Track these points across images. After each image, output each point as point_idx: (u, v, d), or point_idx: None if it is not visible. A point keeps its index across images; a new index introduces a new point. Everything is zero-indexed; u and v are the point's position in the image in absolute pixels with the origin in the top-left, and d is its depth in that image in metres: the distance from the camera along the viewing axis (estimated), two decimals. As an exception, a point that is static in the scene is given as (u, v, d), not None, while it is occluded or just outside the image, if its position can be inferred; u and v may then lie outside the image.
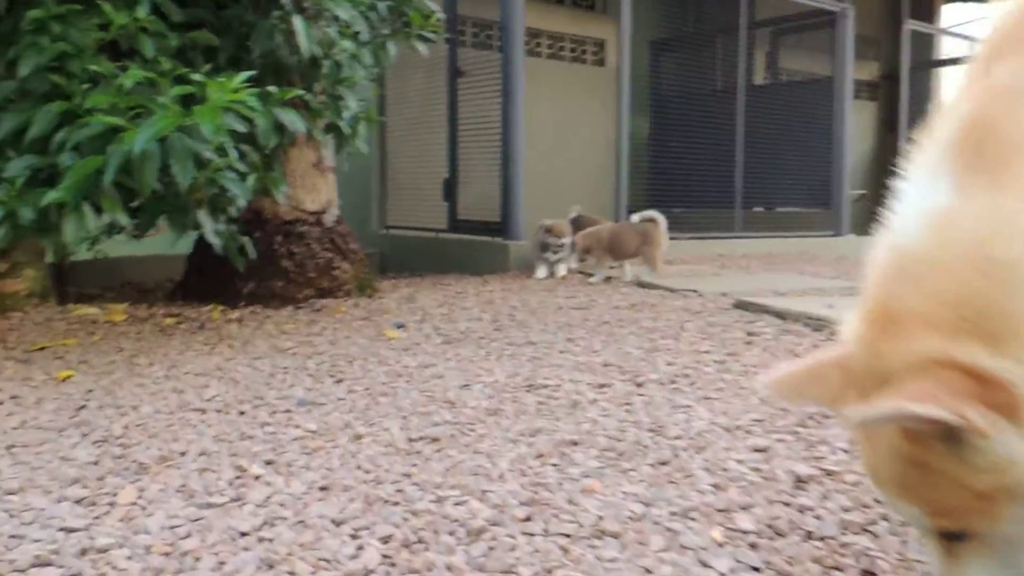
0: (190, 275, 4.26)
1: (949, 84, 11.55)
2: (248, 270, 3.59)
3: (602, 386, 2.55)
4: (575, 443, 2.03)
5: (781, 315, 3.62)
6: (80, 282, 4.60)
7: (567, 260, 5.43)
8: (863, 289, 1.08)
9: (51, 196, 2.28)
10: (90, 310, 3.64)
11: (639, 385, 2.56)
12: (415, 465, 1.90)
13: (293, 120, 2.74)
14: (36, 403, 2.38)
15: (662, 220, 5.05)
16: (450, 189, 6.75)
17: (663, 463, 1.89)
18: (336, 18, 3.05)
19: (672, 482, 1.77)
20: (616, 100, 6.99)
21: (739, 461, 1.88)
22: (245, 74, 2.41)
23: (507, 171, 6.06)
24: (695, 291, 4.41)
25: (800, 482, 1.75)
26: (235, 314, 3.78)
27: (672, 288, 4.57)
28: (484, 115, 6.35)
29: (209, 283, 4.08)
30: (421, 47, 3.76)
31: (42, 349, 3.00)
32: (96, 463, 1.92)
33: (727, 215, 7.99)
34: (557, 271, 5.39)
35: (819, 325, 3.38)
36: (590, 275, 5.25)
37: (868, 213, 10.53)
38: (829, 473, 1.80)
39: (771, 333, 3.34)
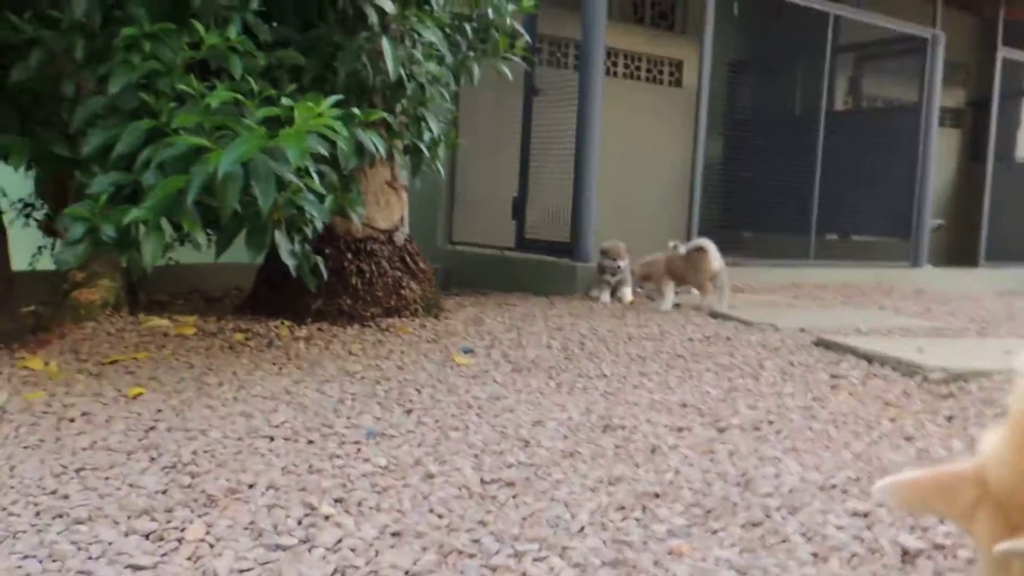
0: (259, 288, 4.27)
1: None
2: (317, 286, 3.57)
3: (681, 430, 2.46)
4: (658, 495, 1.94)
5: (867, 357, 3.48)
6: (150, 288, 4.64)
7: (629, 283, 5.36)
8: (1009, 403, 0.99)
9: (133, 214, 2.27)
10: (161, 322, 3.65)
11: (721, 431, 2.46)
12: (490, 512, 1.83)
13: (375, 143, 2.70)
14: (106, 422, 2.37)
15: (711, 247, 4.99)
16: (519, 207, 6.70)
17: (755, 524, 1.78)
18: (421, 39, 3.01)
19: (767, 548, 1.66)
20: (692, 121, 6.88)
21: (839, 527, 1.77)
22: (333, 98, 2.39)
23: (579, 191, 6.00)
24: (773, 325, 4.28)
25: (908, 555, 1.63)
26: (303, 331, 3.76)
27: (747, 321, 4.45)
28: (558, 134, 6.29)
29: (278, 297, 4.08)
30: (506, 70, 3.71)
31: (114, 363, 3.01)
32: (165, 492, 1.89)
33: (801, 242, 7.79)
34: (623, 296, 5.32)
35: (910, 371, 3.23)
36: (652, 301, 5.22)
37: (946, 244, 10.23)
38: (938, 547, 1.68)
39: (857, 376, 3.21)
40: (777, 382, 3.11)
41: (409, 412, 2.56)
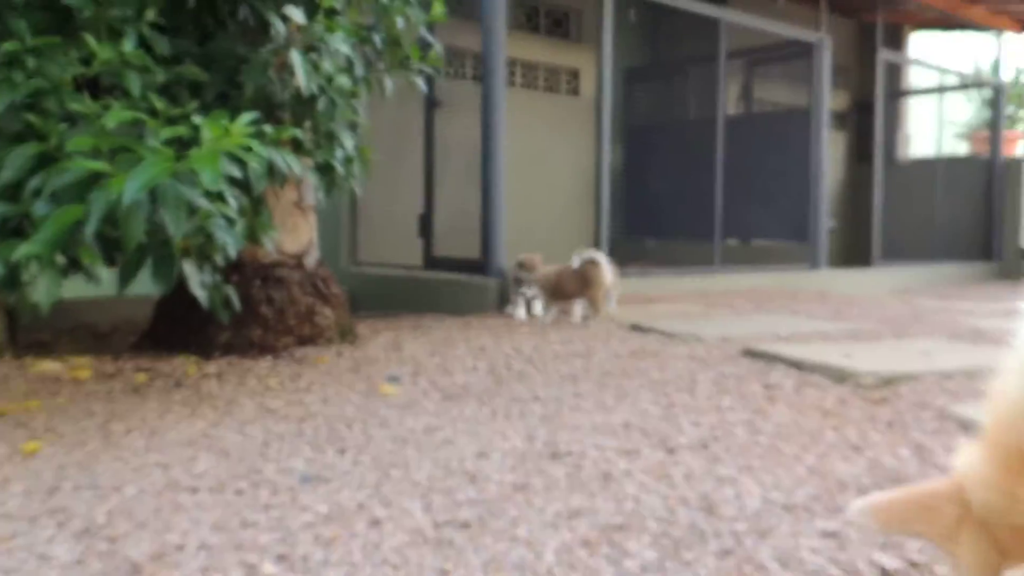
0: (159, 322, 4.04)
1: (916, 112, 11.73)
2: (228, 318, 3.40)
3: (630, 453, 2.40)
4: (622, 527, 1.87)
5: (797, 365, 3.50)
6: (29, 326, 4.33)
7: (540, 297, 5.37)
8: (987, 419, 0.97)
9: (23, 250, 2.07)
10: (52, 366, 3.39)
11: (670, 451, 2.42)
12: (449, 559, 1.72)
13: (289, 162, 2.55)
14: (1, 484, 2.14)
15: (604, 261, 5.05)
16: (426, 224, 6.61)
17: (727, 552, 1.73)
18: (330, 50, 2.87)
19: (747, 579, 1.61)
20: (592, 130, 6.92)
21: (812, 550, 1.73)
22: (247, 116, 2.24)
23: (487, 205, 5.93)
24: (696, 336, 4.30)
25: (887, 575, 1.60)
26: (212, 367, 3.58)
27: (669, 332, 4.45)
28: (461, 147, 6.24)
29: (180, 331, 3.88)
30: (420, 82, 3.61)
31: (1, 415, 2.75)
32: (80, 562, 1.70)
33: (705, 248, 7.94)
34: (534, 309, 5.28)
35: (841, 377, 3.27)
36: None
37: (841, 245, 10.63)
38: (914, 564, 1.66)
39: (791, 385, 3.22)
40: (714, 396, 3.09)
41: (343, 451, 2.43)
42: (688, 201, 7.85)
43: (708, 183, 7.85)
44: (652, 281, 6.84)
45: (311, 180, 3.47)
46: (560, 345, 4.22)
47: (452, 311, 5.77)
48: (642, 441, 2.51)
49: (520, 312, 5.29)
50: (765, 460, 2.32)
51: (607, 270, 5.00)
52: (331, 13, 2.94)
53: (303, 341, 3.98)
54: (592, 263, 5.04)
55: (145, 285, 3.58)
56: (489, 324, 5.13)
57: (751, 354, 3.81)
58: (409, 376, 3.48)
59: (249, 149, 2.34)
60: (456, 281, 6.12)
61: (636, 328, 4.76)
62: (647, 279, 6.77)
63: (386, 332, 4.78)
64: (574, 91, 8.89)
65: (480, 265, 5.96)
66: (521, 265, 5.41)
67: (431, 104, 6.48)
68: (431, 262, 6.53)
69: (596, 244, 6.80)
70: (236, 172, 2.34)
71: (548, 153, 8.49)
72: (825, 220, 8.63)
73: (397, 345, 4.24)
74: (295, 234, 4.02)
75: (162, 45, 2.48)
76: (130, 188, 1.99)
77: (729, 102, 8.76)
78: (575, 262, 5.16)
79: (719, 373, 3.47)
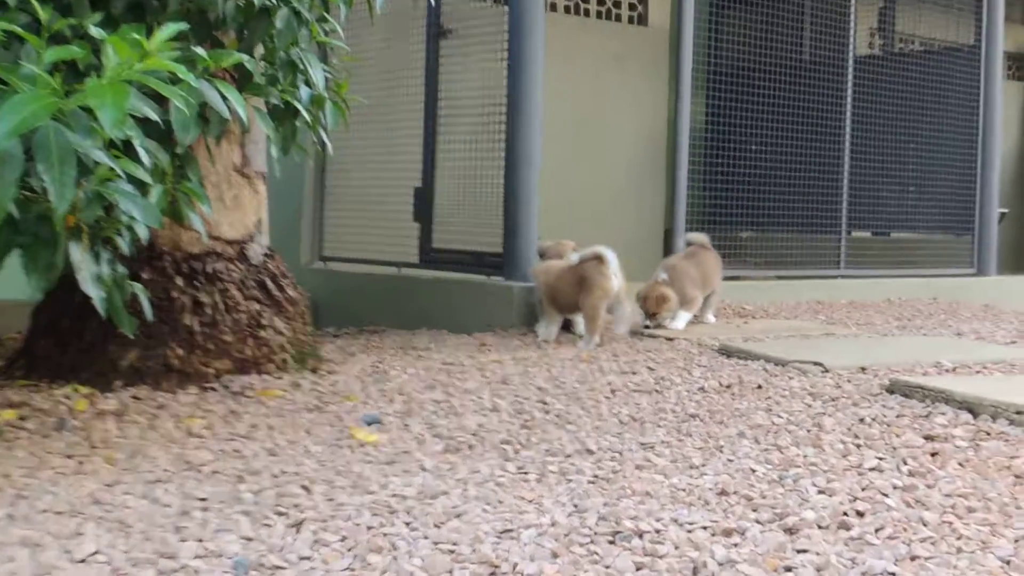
0: (37, 337, 4.05)
1: None
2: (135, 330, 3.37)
3: (730, 533, 2.33)
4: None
5: (970, 407, 3.42)
6: None
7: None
8: None
9: None
10: None
11: (791, 532, 2.33)
12: None
13: (231, 102, 2.49)
14: None
15: (611, 257, 5.11)
16: (424, 203, 6.60)
17: None
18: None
19: None
20: (665, 74, 6.91)
21: None
22: (174, 27, 2.17)
23: (512, 178, 5.90)
24: (818, 364, 4.28)
25: None
26: (111, 402, 3.55)
27: (778, 359, 4.42)
28: (477, 94, 6.20)
29: (68, 350, 3.88)
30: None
31: None
32: None
33: (824, 243, 7.84)
34: (576, 327, 5.33)
35: (1038, 425, 3.17)
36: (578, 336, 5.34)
37: (1013, 240, 10.46)
38: None
39: (963, 436, 3.14)
40: (850, 450, 3.02)
41: (297, 525, 2.36)
42: (800, 176, 7.73)
43: (830, 151, 7.75)
44: (749, 287, 6.80)
45: (262, 132, 3.43)
46: (618, 376, 4.22)
47: (458, 325, 5.76)
48: (747, 515, 2.43)
49: (551, 331, 5.29)
50: (936, 547, 2.23)
51: (613, 271, 5.08)
52: None
53: (245, 366, 4.00)
54: (595, 260, 5.11)
55: (16, 282, 3.55)
56: (512, 345, 5.13)
57: (901, 390, 3.75)
58: (397, 417, 3.48)
59: (174, 80, 2.29)
60: (465, 283, 6.11)
61: (727, 352, 4.75)
62: (742, 285, 6.70)
63: (364, 355, 4.78)
64: (640, 19, 8.82)
65: (499, 261, 5.95)
66: (543, 255, 5.48)
67: (437, 32, 6.45)
68: (429, 256, 6.54)
69: (669, 233, 6.76)
70: (152, 114, 2.29)
71: (601, 106, 8.41)
72: (996, 205, 8.50)
73: (379, 373, 4.26)
74: (237, 212, 4.03)
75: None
76: (-7, 132, 1.94)
77: (860, 38, 8.66)
78: (574, 258, 5.25)
79: (855, 417, 3.41)
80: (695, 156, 7.22)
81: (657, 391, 3.93)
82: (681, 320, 5.47)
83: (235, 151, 3.98)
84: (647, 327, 5.37)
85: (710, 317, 5.75)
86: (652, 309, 5.39)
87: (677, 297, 5.39)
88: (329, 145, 3.67)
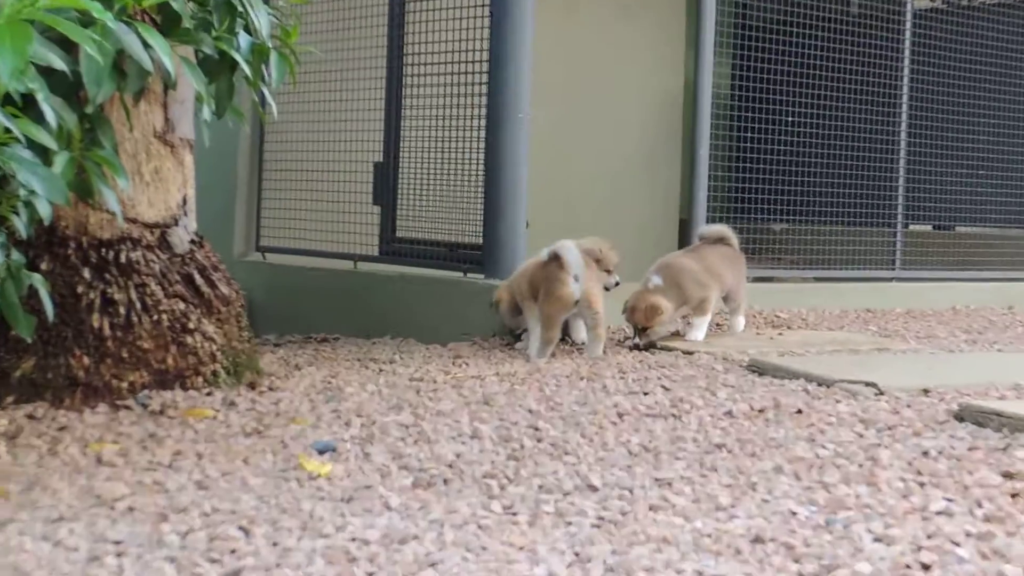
0: None
1: None
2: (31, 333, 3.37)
3: None
4: None
5: (1057, 437, 3.42)
6: None
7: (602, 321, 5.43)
8: None
9: None
10: None
11: None
12: None
13: (153, 49, 2.49)
14: None
15: (572, 259, 5.20)
16: (386, 182, 6.64)
17: None
18: None
19: None
20: (682, 25, 6.90)
21: None
22: (81, -46, 2.17)
23: (496, 152, 5.92)
24: (870, 385, 4.29)
25: None
26: (1, 422, 3.56)
27: (820, 377, 4.44)
28: (453, 50, 6.22)
29: None
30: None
31: None
32: None
33: (875, 238, 7.86)
34: (594, 344, 5.28)
35: None
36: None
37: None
38: None
39: (1050, 473, 3.14)
40: (912, 489, 3.02)
41: (234, 575, 2.37)
42: (848, 156, 7.77)
43: (885, 125, 7.78)
44: (783, 291, 6.85)
45: (190, 88, 3.43)
46: (626, 396, 4.23)
47: (428, 333, 5.79)
48: (787, 567, 2.44)
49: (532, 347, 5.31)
50: (1018, 608, 2.23)
51: (574, 275, 5.16)
52: None
53: (167, 379, 4.01)
54: (556, 260, 5.20)
55: None
56: (495, 357, 5.15)
57: (973, 418, 3.75)
58: (355, 444, 3.48)
59: (85, 21, 2.30)
60: (436, 282, 6.16)
61: (759, 369, 4.77)
62: (775, 288, 6.77)
63: (312, 368, 4.80)
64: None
65: (477, 255, 6.00)
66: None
67: (401, -26, 6.49)
68: (393, 248, 6.59)
69: (686, 224, 6.77)
70: (59, 62, 2.29)
71: (605, 67, 8.44)
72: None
73: (332, 391, 4.26)
74: (158, 189, 4.05)
75: None
76: None
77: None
78: (544, 253, 5.32)
79: (918, 450, 3.42)
80: (719, 129, 7.24)
81: (674, 415, 3.92)
82: (699, 329, 5.51)
83: (157, 113, 3.95)
84: (636, 345, 5.43)
85: (739, 323, 5.81)
86: (641, 322, 5.42)
87: (673, 306, 5.43)
88: (273, 106, 3.65)
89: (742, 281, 5.89)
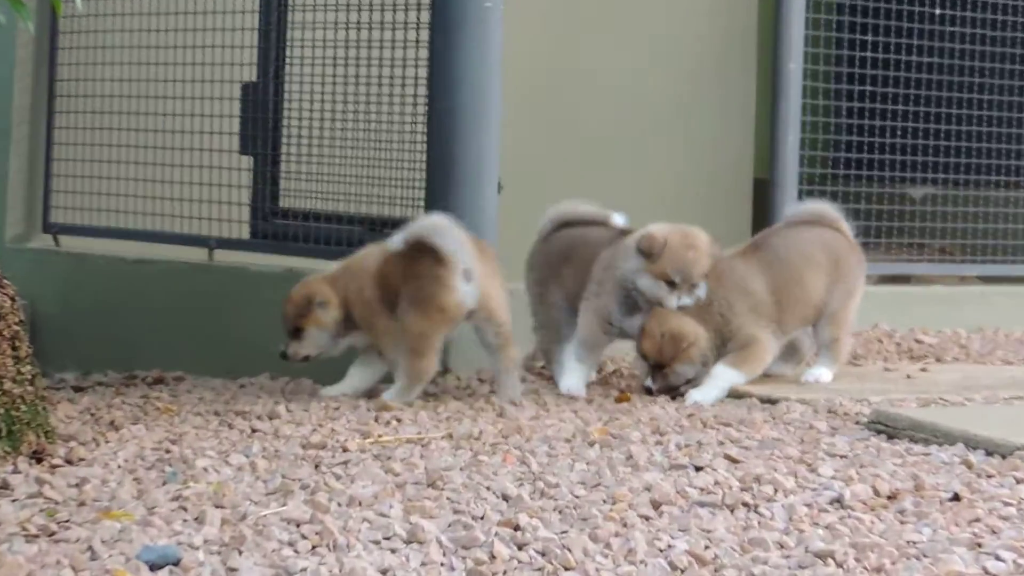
0: None
1: None
2: None
3: None
4: None
5: None
6: None
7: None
8: None
9: None
10: None
11: None
12: None
13: None
14: None
15: (450, 239, 5.43)
16: (261, 118, 6.76)
17: None
18: None
19: None
20: None
21: None
22: None
23: (446, 68, 5.94)
24: None
25: None
26: None
27: (994, 442, 4.42)
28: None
29: None
30: None
31: None
32: None
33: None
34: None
35: None
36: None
37: None
38: None
39: None
40: None
41: None
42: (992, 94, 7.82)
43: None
44: (926, 298, 6.94)
45: None
46: (665, 472, 4.26)
47: (331, 366, 5.86)
48: None
49: (575, 380, 5.50)
50: None
51: (461, 273, 5.34)
52: None
53: None
54: (419, 248, 5.39)
55: None
56: (448, 408, 5.19)
57: None
58: (213, 555, 3.45)
59: None
60: None
61: (885, 427, 4.76)
62: (913, 293, 6.87)
63: (139, 426, 4.82)
64: None
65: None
66: (646, 251, 5.55)
67: None
68: (272, 226, 6.72)
69: (764, 186, 6.80)
70: None
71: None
72: None
73: (174, 463, 4.28)
74: None
75: None
76: None
77: None
78: (395, 241, 5.54)
79: None
80: (817, 33, 7.26)
81: (747, 505, 3.89)
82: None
83: None
84: (650, 390, 5.55)
85: (825, 373, 5.78)
86: (657, 356, 5.55)
87: (709, 336, 5.56)
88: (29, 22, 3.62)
89: (850, 295, 5.88)
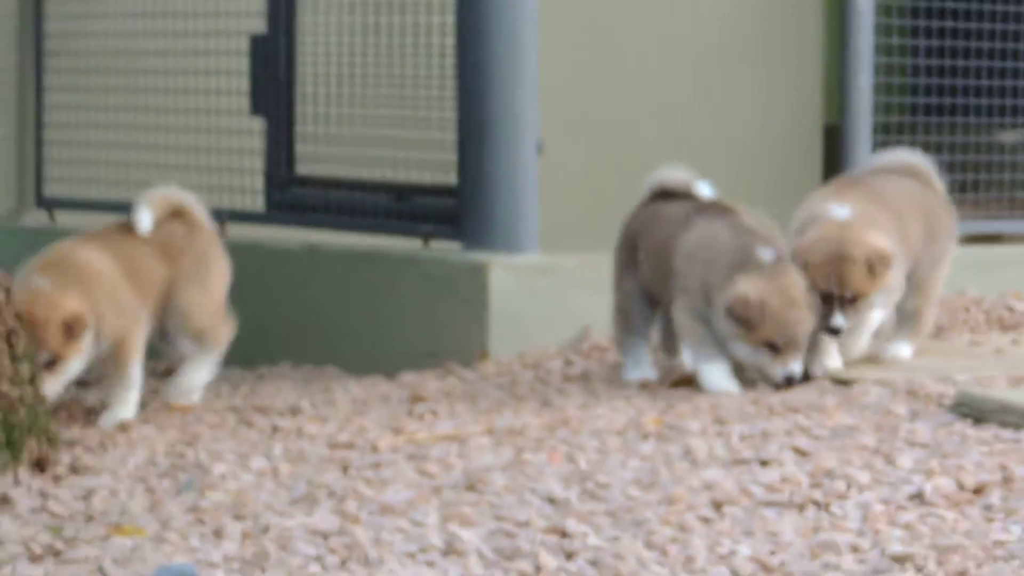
0: None
1: None
2: None
3: None
4: None
5: None
6: None
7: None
8: None
9: None
10: None
11: None
12: None
13: None
14: None
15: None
16: (273, 76, 6.76)
17: None
18: None
19: None
20: None
21: None
22: None
23: (478, 15, 5.92)
24: None
25: None
26: None
27: None
28: None
29: None
30: None
31: None
32: None
33: None
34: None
35: None
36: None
37: None
38: None
39: None
40: None
41: None
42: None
43: None
44: (1020, 259, 6.92)
45: None
46: (727, 468, 4.24)
47: (361, 355, 5.94)
48: None
49: (726, 382, 5.47)
50: None
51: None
52: None
53: None
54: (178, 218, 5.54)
55: None
56: (488, 399, 5.18)
57: None
58: (234, 573, 3.46)
59: None
60: (371, 258, 6.31)
61: (971, 410, 4.73)
62: (1006, 254, 6.90)
63: (151, 426, 4.82)
64: None
65: (450, 207, 6.15)
66: (742, 319, 5.45)
67: None
68: (290, 196, 6.75)
69: (835, 132, 6.80)
70: None
71: None
72: None
73: (189, 469, 4.28)
74: None
75: None
76: None
77: None
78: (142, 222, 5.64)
79: None
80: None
81: (817, 504, 3.90)
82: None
83: None
84: (837, 329, 5.51)
85: (904, 348, 5.82)
86: (860, 285, 5.46)
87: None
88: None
89: (939, 260, 5.87)
